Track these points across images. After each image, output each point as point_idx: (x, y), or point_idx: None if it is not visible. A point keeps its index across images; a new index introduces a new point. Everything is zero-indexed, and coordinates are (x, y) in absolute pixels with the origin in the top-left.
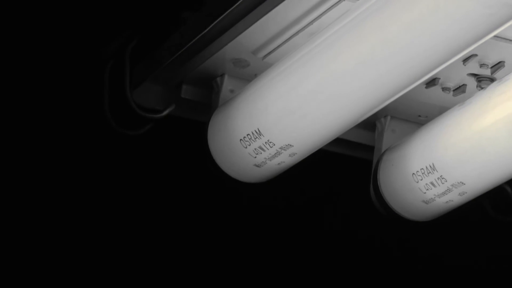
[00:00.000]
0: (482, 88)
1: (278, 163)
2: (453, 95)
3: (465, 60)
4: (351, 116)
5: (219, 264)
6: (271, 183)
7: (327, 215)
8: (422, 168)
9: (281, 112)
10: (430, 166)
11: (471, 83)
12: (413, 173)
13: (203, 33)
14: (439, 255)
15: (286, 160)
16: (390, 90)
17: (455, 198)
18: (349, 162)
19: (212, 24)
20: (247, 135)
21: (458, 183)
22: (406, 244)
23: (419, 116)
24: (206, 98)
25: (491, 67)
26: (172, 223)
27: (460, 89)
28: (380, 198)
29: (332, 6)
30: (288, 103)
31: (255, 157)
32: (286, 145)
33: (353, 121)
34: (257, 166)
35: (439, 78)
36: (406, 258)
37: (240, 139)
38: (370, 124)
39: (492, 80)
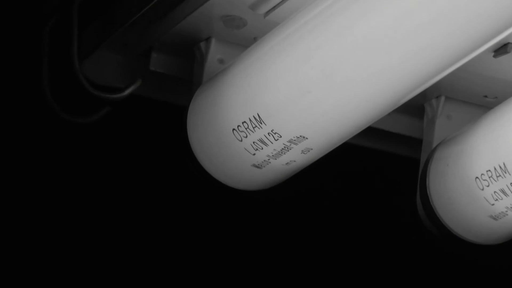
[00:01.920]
0: None
1: (287, 163)
2: None
3: None
4: (389, 94)
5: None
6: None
7: (358, 234)
8: (490, 170)
9: (291, 90)
10: (501, 167)
11: None
12: (477, 177)
13: None
14: None
15: (297, 158)
16: (444, 60)
17: None
18: (387, 162)
19: None
20: (243, 123)
21: None
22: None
23: (485, 96)
24: (185, 71)
25: None
26: (138, 234)
27: None
28: (430, 211)
29: None
30: (301, 78)
31: (254, 154)
32: (298, 137)
33: (391, 103)
34: (257, 166)
35: None
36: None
37: (233, 129)
38: (417, 107)
39: None
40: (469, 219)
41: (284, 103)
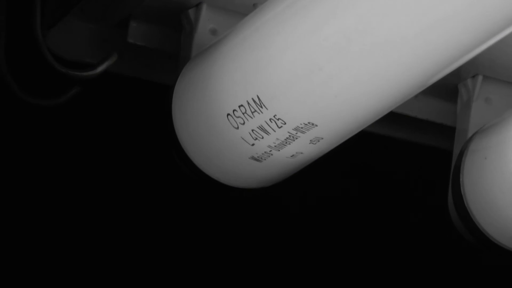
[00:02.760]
0: None
1: (292, 155)
2: None
3: None
4: (416, 73)
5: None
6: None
7: (377, 241)
8: None
9: (299, 67)
10: None
11: None
12: None
13: None
14: None
15: (305, 149)
16: (483, 32)
17: None
18: (413, 154)
19: None
20: (240, 107)
21: None
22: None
23: None
24: (170, 44)
25: None
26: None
27: None
28: (465, 213)
29: None
30: (311, 52)
31: (253, 144)
32: (306, 124)
33: (418, 84)
34: (257, 159)
35: None
36: None
37: (228, 114)
38: (449, 89)
39: None
40: None
41: (290, 82)
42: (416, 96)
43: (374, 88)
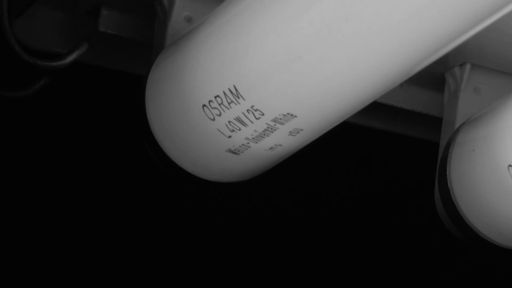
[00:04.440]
0: None
1: (271, 147)
2: None
3: None
4: (399, 62)
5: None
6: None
7: (360, 237)
8: None
9: (278, 55)
10: None
11: None
12: (511, 165)
13: None
14: None
15: (284, 141)
16: (468, 18)
17: None
18: (398, 146)
19: None
20: (216, 97)
21: None
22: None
23: None
24: (144, 32)
25: None
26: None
27: None
28: (452, 208)
29: None
30: (290, 41)
31: (230, 136)
32: (285, 116)
33: (402, 72)
34: (234, 152)
35: None
36: None
37: (204, 105)
38: (436, 78)
39: None
40: (501, 219)
41: (268, 72)
42: (401, 86)
43: (356, 77)
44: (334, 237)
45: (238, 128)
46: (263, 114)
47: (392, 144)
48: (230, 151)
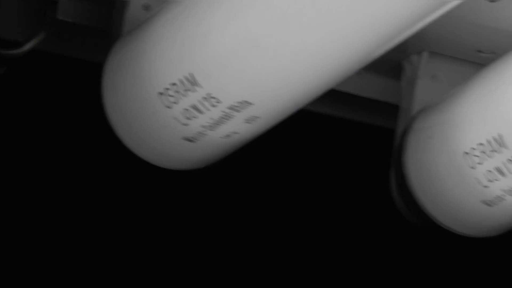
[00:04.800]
0: None
1: (227, 135)
2: None
3: None
4: (357, 47)
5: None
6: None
7: (321, 218)
8: (482, 144)
9: (234, 43)
10: (496, 140)
11: None
12: (467, 152)
13: None
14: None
15: (240, 129)
16: (425, 5)
17: None
18: (354, 133)
19: None
20: (172, 85)
21: None
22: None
23: (479, 51)
24: (102, 20)
25: None
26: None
27: None
28: (408, 195)
29: None
30: (248, 29)
31: (186, 124)
32: (241, 103)
33: (359, 59)
34: (190, 140)
35: None
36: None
37: (160, 93)
38: (393, 66)
39: None
40: (457, 205)
41: (225, 59)
42: (359, 73)
43: (312, 64)
44: (291, 225)
45: (194, 116)
46: (219, 102)
47: (348, 131)
48: (186, 138)
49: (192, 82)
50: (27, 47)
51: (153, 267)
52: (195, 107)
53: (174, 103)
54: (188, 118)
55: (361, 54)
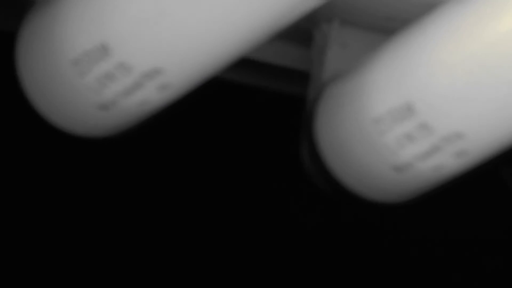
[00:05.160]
0: None
1: (140, 103)
2: None
3: None
4: (265, 16)
5: None
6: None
7: (229, 187)
8: (391, 110)
9: (145, 12)
10: (406, 106)
11: None
12: (376, 119)
13: None
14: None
15: (152, 97)
16: None
17: (448, 161)
18: (267, 101)
19: None
20: (84, 54)
21: (454, 134)
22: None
23: (390, 20)
24: None
25: None
26: None
27: None
28: (319, 162)
29: None
30: None
31: (99, 92)
32: (152, 70)
33: (268, 27)
34: (104, 107)
35: None
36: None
37: (73, 62)
38: (305, 34)
39: None
40: (368, 173)
41: (136, 28)
42: (270, 42)
43: (221, 32)
44: (199, 194)
45: (106, 85)
46: (130, 70)
47: (260, 99)
48: (99, 107)
49: (104, 50)
50: None
51: (67, 239)
52: (107, 76)
53: (86, 72)
54: (101, 87)
55: (269, 21)
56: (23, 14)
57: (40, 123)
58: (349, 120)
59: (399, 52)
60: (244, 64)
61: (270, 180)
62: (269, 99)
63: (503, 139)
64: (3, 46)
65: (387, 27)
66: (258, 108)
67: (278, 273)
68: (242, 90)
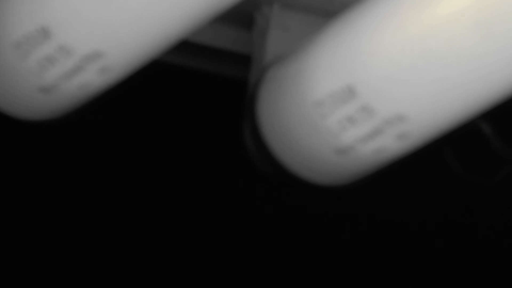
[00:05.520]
0: None
1: (81, 86)
2: None
3: None
4: None
5: None
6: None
7: (174, 171)
8: (332, 93)
9: None
10: (347, 89)
11: None
12: (317, 102)
13: None
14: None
15: (93, 80)
16: None
17: (390, 144)
18: (208, 84)
19: None
20: (24, 37)
21: (395, 117)
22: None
23: (331, 3)
24: None
25: None
26: None
27: None
28: (261, 145)
29: None
30: None
31: (40, 75)
32: (93, 53)
33: (209, 8)
34: (45, 91)
35: None
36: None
37: (14, 45)
38: (246, 17)
39: None
40: (310, 156)
41: (75, 10)
42: (211, 24)
43: (161, 14)
44: (144, 178)
45: (47, 68)
46: (71, 53)
47: (201, 83)
48: (41, 90)
49: (45, 33)
50: None
51: (14, 221)
52: (48, 59)
53: (27, 55)
54: (42, 70)
55: (209, 3)
56: None
57: None
58: (291, 103)
59: (340, 36)
60: (185, 47)
61: (212, 165)
62: (210, 82)
63: (445, 122)
64: None
65: (328, 10)
66: (200, 91)
67: (220, 256)
68: (183, 73)
